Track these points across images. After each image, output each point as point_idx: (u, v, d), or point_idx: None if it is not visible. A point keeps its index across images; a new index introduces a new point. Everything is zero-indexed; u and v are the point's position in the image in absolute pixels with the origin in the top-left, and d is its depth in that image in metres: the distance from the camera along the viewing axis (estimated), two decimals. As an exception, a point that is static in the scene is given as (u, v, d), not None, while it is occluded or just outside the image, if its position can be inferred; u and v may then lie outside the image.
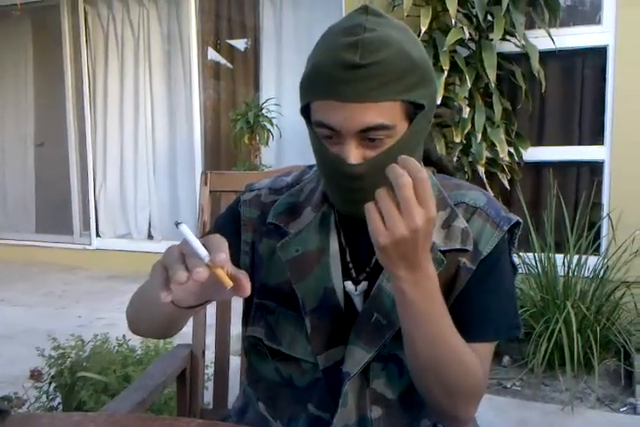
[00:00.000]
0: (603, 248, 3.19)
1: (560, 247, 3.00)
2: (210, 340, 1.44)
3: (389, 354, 0.94)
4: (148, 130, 5.29)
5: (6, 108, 5.98)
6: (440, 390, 0.89)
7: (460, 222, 0.95)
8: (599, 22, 3.46)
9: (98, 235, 5.50)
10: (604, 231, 3.30)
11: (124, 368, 2.06)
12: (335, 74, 0.82)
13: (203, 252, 0.72)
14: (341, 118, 0.83)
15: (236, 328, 1.25)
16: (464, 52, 3.30)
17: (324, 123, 0.85)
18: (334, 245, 0.97)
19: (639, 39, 3.28)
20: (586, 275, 2.91)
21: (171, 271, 0.72)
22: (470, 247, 0.93)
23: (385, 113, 0.82)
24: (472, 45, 3.31)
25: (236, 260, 0.99)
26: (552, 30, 3.28)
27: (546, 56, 3.34)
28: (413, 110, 0.86)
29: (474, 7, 3.12)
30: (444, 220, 0.95)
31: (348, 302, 0.96)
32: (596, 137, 3.52)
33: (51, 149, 5.84)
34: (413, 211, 0.73)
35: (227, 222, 1.06)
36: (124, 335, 2.23)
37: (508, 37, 3.26)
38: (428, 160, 1.03)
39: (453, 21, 3.08)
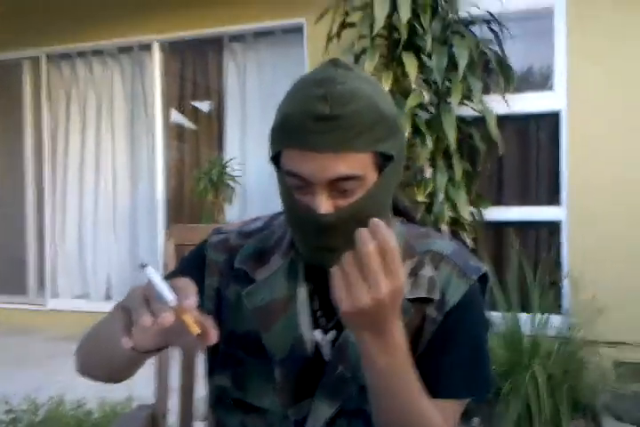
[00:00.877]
0: (565, 307, 3.23)
1: (524, 306, 3.02)
2: (172, 403, 1.38)
3: (356, 409, 0.92)
4: (109, 189, 5.23)
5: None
6: None
7: (427, 271, 0.94)
8: (551, 88, 3.63)
9: (54, 295, 5.34)
10: (566, 289, 3.36)
11: (79, 432, 1.97)
12: (306, 124, 0.82)
13: (169, 296, 0.70)
14: (312, 168, 0.83)
15: (202, 391, 1.21)
16: (424, 115, 3.40)
17: (294, 172, 0.85)
18: (302, 293, 0.95)
19: (589, 104, 3.44)
20: (550, 334, 2.93)
21: (135, 315, 0.70)
22: (437, 296, 0.92)
23: (356, 164, 0.83)
24: (432, 109, 3.41)
25: (199, 305, 0.98)
26: (507, 95, 3.42)
27: (502, 120, 3.46)
28: (383, 161, 0.86)
29: (432, 73, 3.24)
30: (411, 268, 0.94)
31: (317, 351, 0.94)
32: (553, 198, 3.62)
33: (7, 207, 5.71)
34: (379, 282, 0.72)
35: (191, 265, 1.04)
36: (78, 400, 2.13)
37: (465, 102, 3.38)
38: (396, 209, 1.03)
39: (413, 86, 3.18)
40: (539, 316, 2.96)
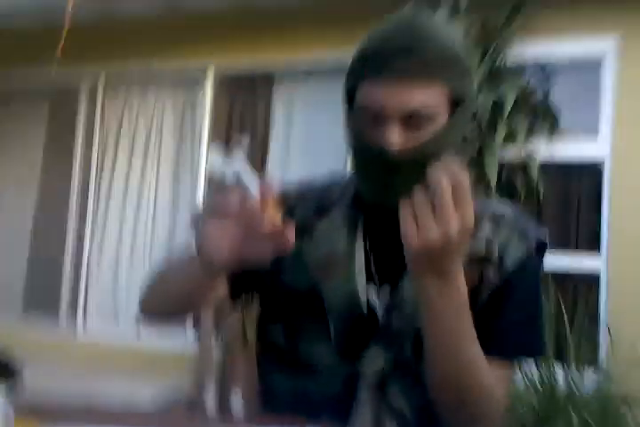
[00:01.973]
0: (602, 360, 3.08)
1: (559, 358, 2.91)
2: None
3: (409, 364, 0.91)
4: (149, 222, 5.30)
5: (8, 186, 6.00)
6: (458, 407, 0.85)
7: (485, 230, 0.92)
8: (596, 137, 3.58)
9: (85, 318, 5.36)
10: (602, 342, 3.21)
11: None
12: (388, 54, 0.83)
13: (253, 188, 0.70)
14: (389, 98, 0.83)
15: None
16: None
17: (370, 104, 0.85)
18: (360, 250, 0.95)
19: (634, 155, 3.38)
20: (586, 387, 2.80)
21: (220, 202, 0.72)
22: (495, 256, 0.91)
23: (431, 98, 0.84)
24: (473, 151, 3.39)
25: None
26: (550, 142, 3.39)
27: (544, 166, 3.42)
28: (456, 103, 0.87)
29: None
30: None
31: (371, 307, 0.93)
32: (593, 249, 3.52)
33: (47, 236, 5.80)
34: (449, 217, 0.71)
35: None
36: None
37: (508, 144, 3.35)
38: None
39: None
40: (574, 369, 2.84)
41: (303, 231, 0.96)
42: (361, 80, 0.87)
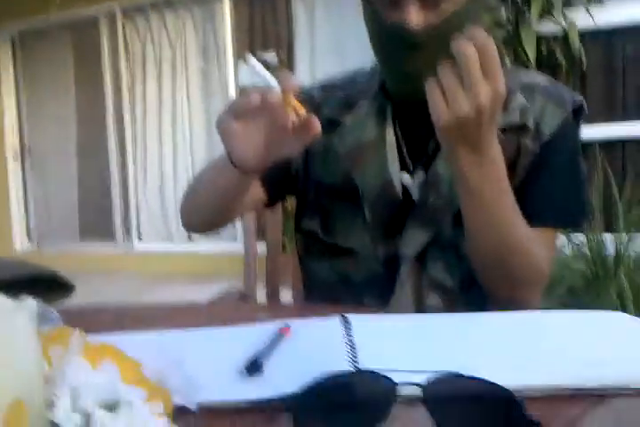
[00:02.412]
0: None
1: (608, 225, 2.92)
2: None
3: (450, 240, 0.91)
4: (186, 140, 5.36)
5: (48, 119, 6.12)
6: (502, 278, 0.86)
7: (518, 99, 0.90)
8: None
9: (140, 238, 5.57)
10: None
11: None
12: None
13: (273, 82, 0.71)
14: None
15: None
16: (501, 34, 3.28)
17: None
18: (391, 136, 0.94)
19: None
20: (635, 252, 2.82)
21: (241, 99, 0.71)
22: (531, 124, 0.89)
23: None
24: (509, 27, 3.29)
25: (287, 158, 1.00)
26: (590, 8, 3.25)
27: (586, 34, 3.30)
28: None
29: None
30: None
31: (405, 193, 0.94)
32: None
33: (91, 158, 5.93)
34: (478, 86, 0.68)
35: None
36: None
37: (545, 16, 3.24)
38: None
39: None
40: (624, 235, 2.85)
41: (331, 125, 0.96)
42: None
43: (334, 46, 4.67)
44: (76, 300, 0.77)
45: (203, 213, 0.97)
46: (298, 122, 0.72)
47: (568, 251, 2.96)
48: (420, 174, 0.94)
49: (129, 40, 5.53)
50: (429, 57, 0.79)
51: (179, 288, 4.42)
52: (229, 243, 4.87)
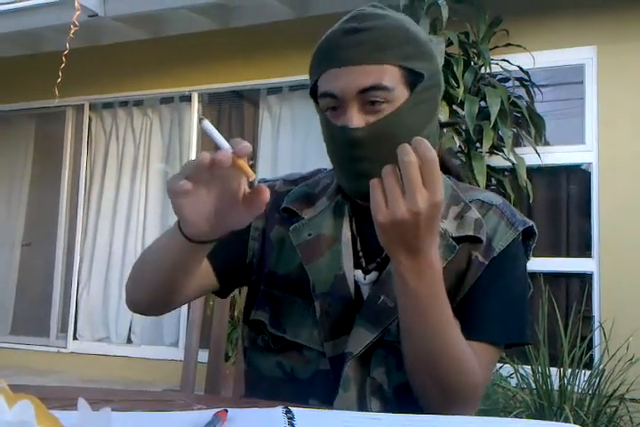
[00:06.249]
0: (596, 359, 3.12)
1: (553, 358, 2.93)
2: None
3: (392, 343, 0.91)
4: (139, 238, 5.29)
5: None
6: (433, 387, 0.84)
7: (474, 214, 0.94)
8: (582, 141, 3.66)
9: (75, 338, 5.32)
10: (596, 342, 3.26)
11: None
12: (337, 41, 0.89)
13: (225, 144, 0.71)
14: (343, 81, 0.87)
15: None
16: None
17: (327, 91, 0.89)
18: (347, 233, 0.96)
19: (620, 157, 3.46)
20: (580, 387, 2.82)
21: (193, 162, 0.71)
22: (484, 238, 0.92)
23: (383, 75, 0.87)
24: (462, 157, 3.45)
25: (244, 245, 1.00)
26: (538, 148, 3.46)
27: (533, 171, 3.49)
28: (414, 81, 0.89)
29: (463, 121, 3.30)
30: (457, 212, 0.94)
31: (357, 290, 0.94)
32: (585, 249, 3.58)
33: (38, 250, 5.78)
34: (416, 193, 0.72)
35: None
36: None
37: (496, 151, 3.42)
38: (445, 168, 1.03)
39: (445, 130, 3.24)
40: (569, 370, 2.86)
41: (290, 217, 0.99)
42: (319, 72, 0.91)
43: (296, 155, 4.80)
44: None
45: (148, 287, 0.93)
46: (248, 190, 0.73)
47: (514, 381, 2.95)
48: (373, 274, 0.94)
49: (93, 134, 5.56)
50: (372, 156, 0.86)
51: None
52: (170, 348, 4.70)
